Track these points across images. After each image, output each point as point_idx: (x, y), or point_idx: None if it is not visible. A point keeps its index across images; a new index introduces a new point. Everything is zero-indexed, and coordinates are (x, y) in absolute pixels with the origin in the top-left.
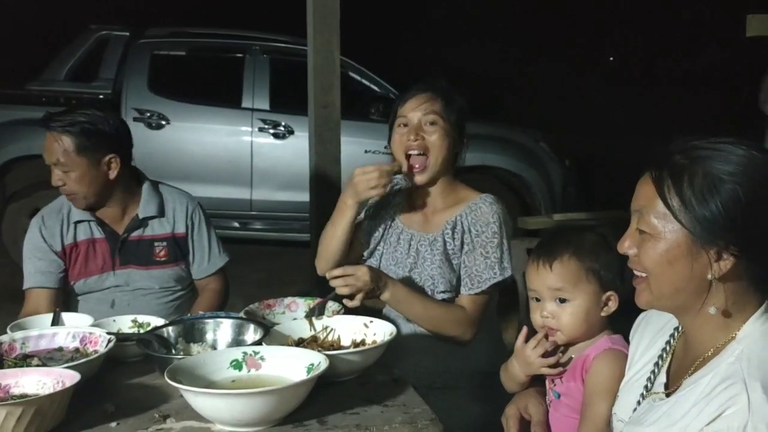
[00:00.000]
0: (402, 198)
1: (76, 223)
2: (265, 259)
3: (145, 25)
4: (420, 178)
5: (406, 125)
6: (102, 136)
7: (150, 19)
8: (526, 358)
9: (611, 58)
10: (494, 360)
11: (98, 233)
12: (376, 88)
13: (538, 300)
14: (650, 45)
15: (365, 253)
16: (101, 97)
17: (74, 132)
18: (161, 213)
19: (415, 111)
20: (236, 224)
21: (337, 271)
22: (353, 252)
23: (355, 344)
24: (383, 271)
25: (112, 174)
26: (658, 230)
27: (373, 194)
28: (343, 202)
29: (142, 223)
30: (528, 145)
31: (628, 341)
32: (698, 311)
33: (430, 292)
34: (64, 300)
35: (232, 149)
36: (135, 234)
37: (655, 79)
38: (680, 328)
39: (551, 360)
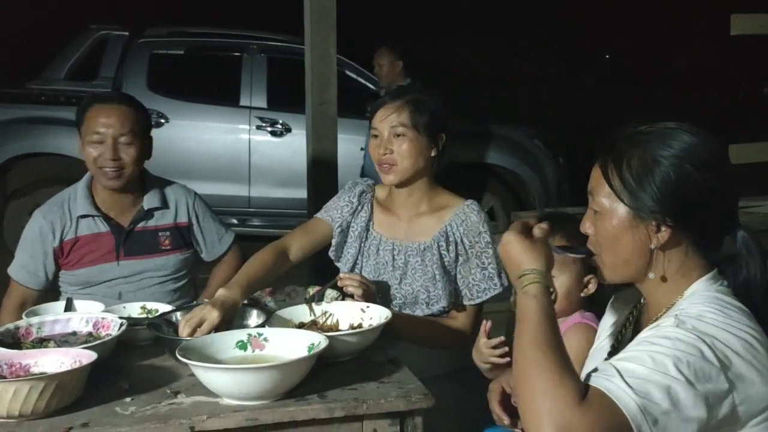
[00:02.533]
0: (372, 205)
1: (80, 218)
2: None
3: (144, 25)
4: (387, 179)
5: (377, 137)
6: (149, 119)
7: (149, 19)
8: (479, 348)
9: (607, 56)
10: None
11: (103, 227)
12: (371, 86)
13: None
14: (646, 43)
15: (340, 266)
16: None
17: (141, 110)
18: (164, 205)
19: (384, 122)
20: (234, 221)
21: (345, 275)
22: (306, 250)
23: (353, 327)
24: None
25: (147, 156)
26: (605, 208)
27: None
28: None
29: (147, 214)
30: (523, 143)
31: None
32: (646, 278)
33: (425, 305)
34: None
35: (231, 147)
36: (140, 225)
37: (650, 77)
38: (642, 300)
39: (498, 351)
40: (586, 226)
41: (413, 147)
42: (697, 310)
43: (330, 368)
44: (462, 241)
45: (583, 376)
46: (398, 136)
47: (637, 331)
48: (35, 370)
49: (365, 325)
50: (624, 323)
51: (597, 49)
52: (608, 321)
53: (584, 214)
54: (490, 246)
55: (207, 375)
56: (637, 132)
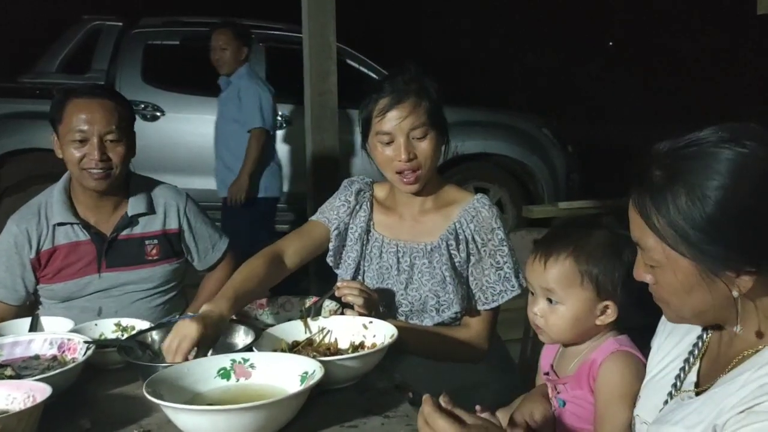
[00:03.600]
0: (371, 204)
1: (56, 225)
2: None
3: (138, 15)
4: (411, 188)
5: (390, 142)
6: (133, 113)
7: (143, 9)
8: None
9: (610, 43)
10: (498, 372)
11: (83, 236)
12: (375, 76)
13: (533, 294)
14: (651, 28)
15: (339, 272)
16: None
17: (125, 103)
18: (151, 210)
19: (400, 125)
20: None
21: (344, 284)
22: (303, 255)
23: (354, 347)
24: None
25: (133, 154)
26: (662, 262)
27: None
28: None
29: (132, 221)
30: (531, 132)
31: (641, 340)
32: (733, 331)
33: (434, 312)
34: (39, 306)
35: None
36: (124, 233)
37: (656, 63)
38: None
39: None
40: (640, 274)
41: (434, 145)
42: None
43: (327, 397)
44: (473, 239)
45: (640, 410)
46: (420, 139)
47: (707, 361)
48: None
49: (368, 344)
50: (691, 350)
51: (602, 37)
52: (665, 344)
53: (601, 209)
54: (504, 243)
55: (179, 416)
56: (675, 155)
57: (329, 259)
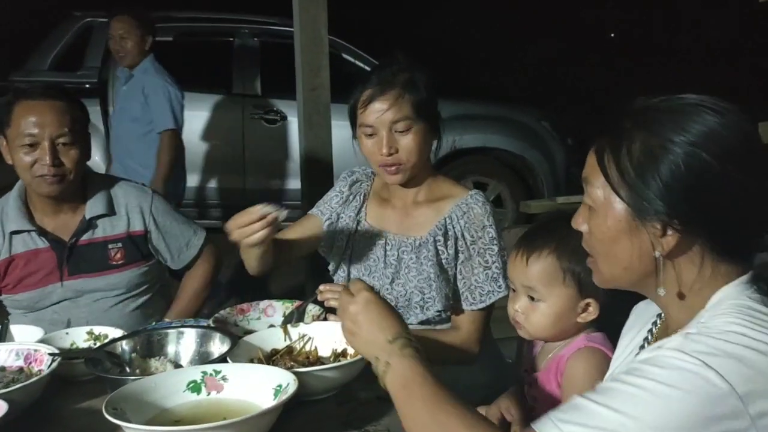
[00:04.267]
0: (366, 195)
1: (12, 233)
2: None
3: (130, 11)
4: (394, 179)
5: (372, 135)
6: (86, 114)
7: (135, 4)
8: None
9: (612, 35)
10: (492, 373)
11: (41, 243)
12: (370, 69)
13: (514, 290)
14: (652, 19)
15: (330, 267)
16: (87, 86)
17: (77, 104)
18: (111, 210)
19: (380, 119)
20: (230, 213)
21: (326, 287)
22: (300, 248)
23: (336, 355)
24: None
25: (88, 157)
26: (599, 203)
27: (257, 244)
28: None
29: (90, 224)
30: (530, 125)
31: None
32: (656, 294)
33: (419, 309)
34: (7, 315)
35: (224, 137)
36: (84, 237)
37: (658, 54)
38: (662, 314)
39: None
40: (579, 222)
41: (419, 139)
42: (718, 324)
43: (304, 409)
44: (463, 235)
45: None
46: (402, 132)
47: None
48: None
49: (350, 352)
50: (642, 343)
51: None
52: (627, 338)
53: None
54: (495, 242)
55: None
56: (646, 108)
57: (321, 250)
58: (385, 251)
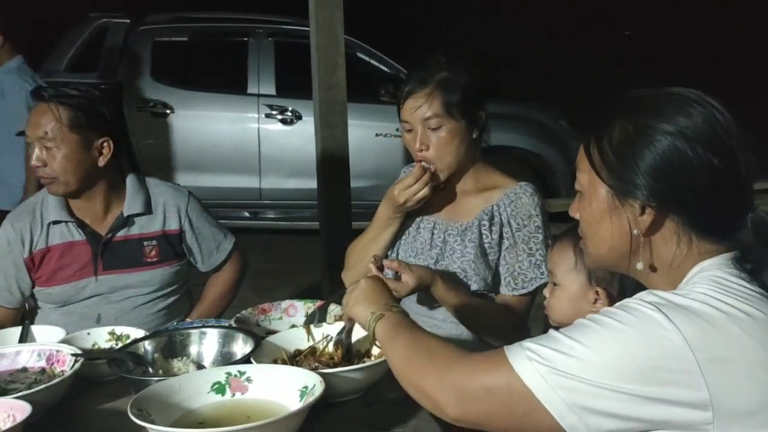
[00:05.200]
0: None
1: (51, 224)
2: (277, 249)
3: (145, 11)
4: (435, 178)
5: (410, 130)
6: (99, 116)
7: (150, 5)
8: None
9: (627, 32)
10: None
11: (78, 235)
12: (385, 68)
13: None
14: (669, 15)
15: None
16: (103, 87)
17: (71, 104)
18: (148, 210)
19: (414, 115)
20: (246, 214)
21: (393, 264)
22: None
23: (360, 355)
24: (432, 269)
25: (102, 160)
26: (585, 187)
27: (421, 202)
28: (385, 216)
29: (128, 221)
30: (547, 124)
31: None
32: (636, 270)
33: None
34: (36, 310)
35: (239, 137)
36: (120, 234)
37: (675, 51)
38: None
39: None
40: (574, 210)
41: (452, 137)
42: (687, 289)
43: (330, 411)
44: (509, 222)
45: None
46: (434, 129)
47: None
48: None
49: (374, 352)
50: None
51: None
52: None
53: None
54: (540, 231)
55: None
56: (629, 98)
57: None
58: (432, 234)
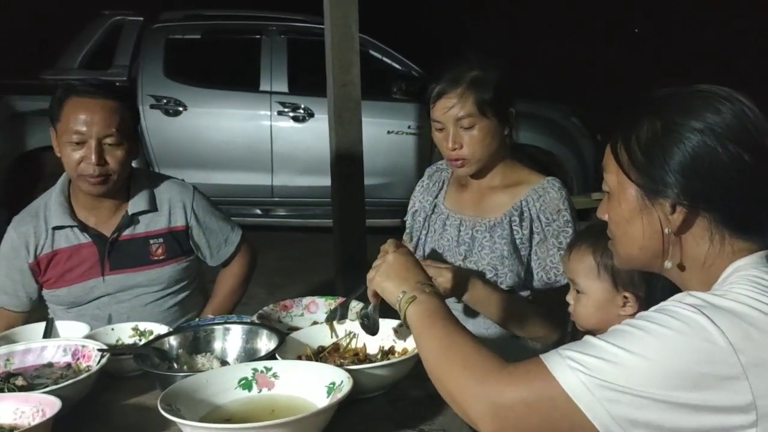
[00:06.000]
0: (446, 182)
1: (55, 229)
2: (288, 246)
3: (158, 9)
4: (461, 171)
5: (441, 129)
6: (136, 113)
7: (163, 2)
8: None
9: (636, 30)
10: None
11: (83, 238)
12: (397, 66)
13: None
14: (680, 12)
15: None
16: (117, 84)
17: (127, 104)
18: (153, 207)
19: (447, 115)
20: (258, 211)
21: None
22: None
23: (383, 352)
24: (464, 269)
25: (134, 157)
26: (613, 188)
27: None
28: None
29: (133, 219)
30: (558, 121)
31: None
32: (665, 269)
33: None
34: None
35: (252, 134)
36: (126, 233)
37: (687, 47)
38: None
39: None
40: (602, 212)
41: (485, 136)
42: (724, 288)
43: (355, 407)
44: (538, 217)
45: None
46: (466, 128)
47: None
48: None
49: (398, 349)
50: None
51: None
52: None
53: None
54: (569, 225)
55: None
56: (655, 97)
57: (404, 235)
58: (459, 231)
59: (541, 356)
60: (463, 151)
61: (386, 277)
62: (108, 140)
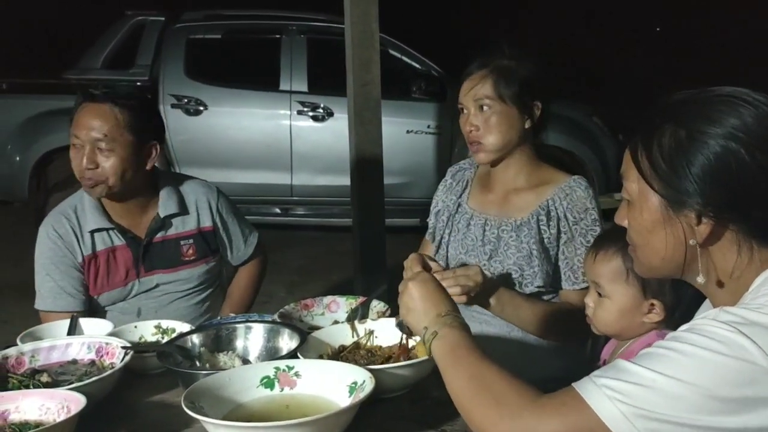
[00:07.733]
0: (469, 182)
1: (92, 232)
2: (307, 245)
3: (180, 9)
4: (478, 157)
5: (463, 111)
6: (153, 118)
7: (185, 3)
8: None
9: (657, 29)
10: (571, 365)
11: (118, 240)
12: (417, 65)
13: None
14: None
15: (432, 248)
16: (138, 84)
17: (130, 106)
18: (183, 209)
19: (468, 96)
20: (277, 210)
21: (449, 274)
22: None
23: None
24: (490, 278)
25: (150, 164)
26: (635, 197)
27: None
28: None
29: (165, 222)
30: (580, 121)
31: None
32: (696, 282)
33: (517, 285)
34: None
35: (271, 133)
36: (158, 235)
37: (709, 46)
38: None
39: None
40: (621, 218)
41: (500, 120)
42: (757, 300)
43: (376, 407)
44: (565, 216)
45: None
46: (482, 109)
47: None
48: (15, 417)
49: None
50: None
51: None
52: None
53: None
54: (597, 224)
55: None
56: (677, 102)
57: (427, 235)
58: (484, 231)
59: (574, 385)
60: (479, 133)
61: (407, 310)
62: (100, 145)
